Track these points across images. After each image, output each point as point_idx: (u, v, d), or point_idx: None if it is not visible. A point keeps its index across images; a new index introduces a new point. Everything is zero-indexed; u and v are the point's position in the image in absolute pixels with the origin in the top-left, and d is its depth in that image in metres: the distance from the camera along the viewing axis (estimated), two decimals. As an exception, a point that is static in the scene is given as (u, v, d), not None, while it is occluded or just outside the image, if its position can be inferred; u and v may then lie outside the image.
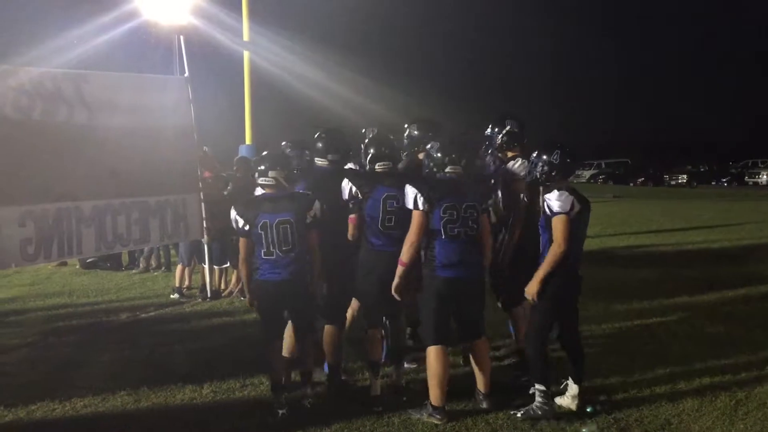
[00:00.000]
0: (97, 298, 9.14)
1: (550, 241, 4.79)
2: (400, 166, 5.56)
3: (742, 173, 45.39)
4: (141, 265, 11.16)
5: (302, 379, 5.31)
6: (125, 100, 7.46)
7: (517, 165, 5.54)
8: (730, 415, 4.95)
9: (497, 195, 5.67)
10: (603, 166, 51.83)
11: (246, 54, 14.73)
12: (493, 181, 5.78)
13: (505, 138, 5.73)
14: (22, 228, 6.42)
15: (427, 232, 4.85)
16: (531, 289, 4.85)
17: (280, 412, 4.97)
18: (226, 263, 9.08)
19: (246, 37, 14.64)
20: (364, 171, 5.45)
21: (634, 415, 4.92)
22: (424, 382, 5.02)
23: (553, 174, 4.90)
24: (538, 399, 4.88)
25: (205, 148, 10.30)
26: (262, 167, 5.05)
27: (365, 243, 5.20)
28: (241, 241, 5.07)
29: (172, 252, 10.95)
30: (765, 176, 42.98)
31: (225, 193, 9.12)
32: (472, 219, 4.88)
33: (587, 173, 50.37)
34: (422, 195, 4.79)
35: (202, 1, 14.01)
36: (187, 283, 9.32)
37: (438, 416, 4.83)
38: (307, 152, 6.42)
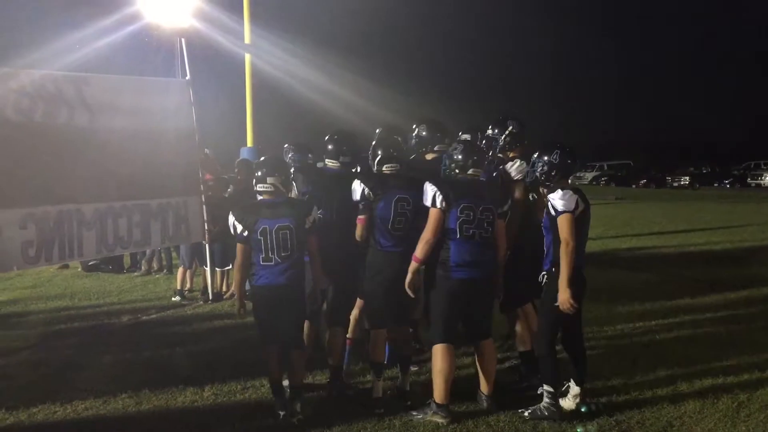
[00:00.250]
0: (98, 300, 9.14)
1: (555, 241, 4.80)
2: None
3: (745, 175, 45.39)
4: (143, 267, 11.16)
5: (291, 393, 5.08)
6: (126, 102, 7.47)
7: (514, 167, 5.54)
8: (732, 417, 4.94)
9: None
10: (605, 167, 51.89)
11: (247, 56, 14.74)
12: None
13: (507, 138, 5.74)
14: (23, 230, 6.42)
15: (443, 232, 4.88)
16: (563, 297, 4.76)
17: (281, 413, 4.96)
18: (228, 265, 9.08)
19: (247, 39, 14.65)
20: (374, 173, 5.46)
21: (636, 417, 4.91)
22: (425, 385, 5.02)
23: (553, 174, 4.91)
24: (546, 400, 4.89)
25: (206, 150, 10.30)
26: (260, 173, 5.03)
27: (374, 244, 5.22)
28: (239, 247, 5.02)
29: (174, 254, 10.95)
30: (767, 178, 42.91)
31: (226, 195, 9.13)
32: (487, 221, 4.92)
33: (589, 175, 50.42)
34: (441, 193, 4.84)
35: (203, 3, 14.02)
36: (188, 285, 9.32)
37: (442, 413, 4.84)
38: (310, 155, 6.43)
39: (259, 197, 5.11)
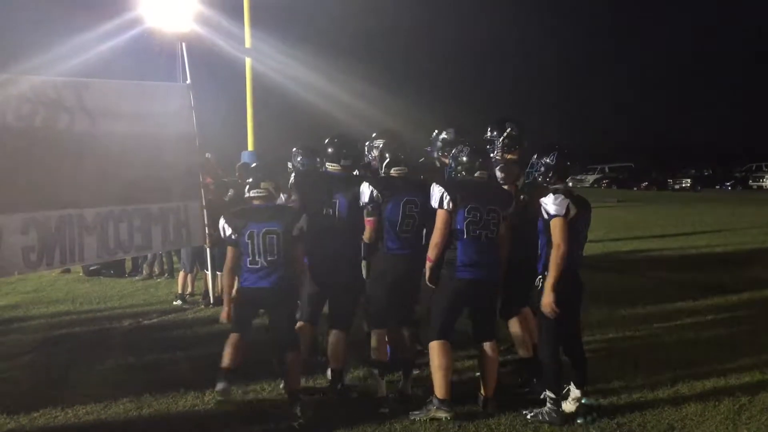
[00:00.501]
0: (100, 305, 9.14)
1: (548, 243, 4.81)
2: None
3: (746, 177, 45.28)
4: (144, 271, 11.16)
5: (290, 398, 5.10)
6: (127, 107, 7.48)
7: (498, 170, 5.56)
8: (733, 419, 4.94)
9: None
10: (606, 170, 51.84)
11: (248, 60, 14.76)
12: None
13: (505, 141, 5.74)
14: (24, 235, 6.43)
15: (450, 232, 4.91)
16: (546, 301, 4.80)
17: (217, 397, 5.18)
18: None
19: (248, 44, 14.67)
20: (381, 176, 5.52)
21: (637, 420, 4.91)
22: (428, 387, 5.02)
23: (550, 175, 4.92)
24: (548, 405, 4.90)
25: (207, 154, 10.32)
26: (254, 179, 5.18)
27: (380, 246, 5.28)
28: (229, 250, 5.16)
29: (175, 259, 10.96)
30: (769, 180, 42.86)
31: (227, 199, 9.13)
32: (493, 222, 4.97)
33: (591, 178, 50.38)
34: (449, 195, 4.88)
35: (204, 8, 14.03)
36: (189, 289, 9.32)
37: (445, 408, 4.86)
38: (318, 159, 6.44)
39: (254, 202, 5.21)
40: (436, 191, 4.94)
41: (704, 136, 67.03)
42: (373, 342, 5.40)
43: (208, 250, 8.75)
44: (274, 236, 5.02)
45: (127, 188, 7.37)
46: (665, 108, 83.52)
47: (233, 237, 5.08)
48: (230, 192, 9.31)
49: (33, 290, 10.07)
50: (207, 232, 8.55)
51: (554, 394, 4.87)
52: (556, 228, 4.76)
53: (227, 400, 5.23)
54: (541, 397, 5.00)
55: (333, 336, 5.43)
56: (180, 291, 9.18)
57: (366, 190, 5.27)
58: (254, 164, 5.55)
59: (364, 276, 5.42)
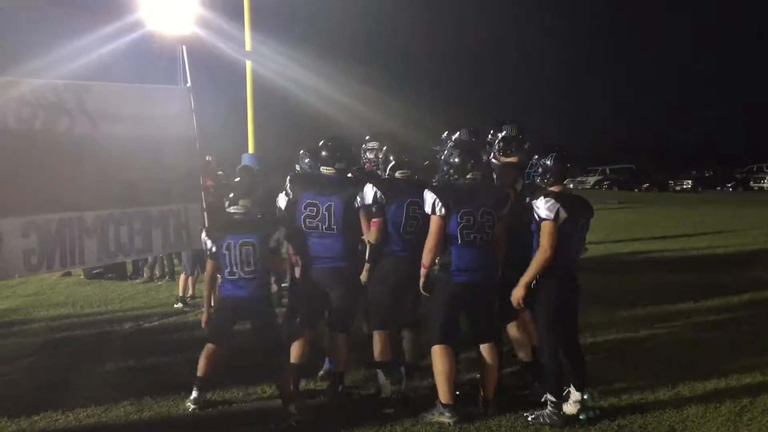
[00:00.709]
0: (100, 308, 9.15)
1: (539, 244, 4.82)
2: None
3: (747, 178, 45.22)
4: (145, 274, 11.17)
5: (282, 399, 5.17)
6: (127, 110, 7.46)
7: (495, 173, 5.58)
8: (734, 421, 4.93)
9: None
10: (607, 172, 51.80)
11: (248, 63, 14.78)
12: None
13: (500, 143, 5.74)
14: (25, 238, 6.41)
15: (444, 237, 4.91)
16: (516, 294, 4.89)
17: (191, 406, 5.29)
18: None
19: (248, 46, 14.70)
20: (385, 178, 5.55)
21: (639, 422, 4.91)
22: (430, 389, 5.03)
23: (547, 177, 4.92)
24: (549, 407, 4.89)
25: (208, 157, 10.31)
26: (233, 196, 5.53)
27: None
28: (208, 263, 5.55)
29: (176, 261, 10.97)
30: (770, 181, 42.80)
31: (227, 201, 9.11)
32: (488, 225, 4.95)
33: (592, 179, 50.33)
34: (441, 200, 4.88)
35: (205, 11, 14.06)
36: (190, 292, 9.33)
37: (448, 413, 4.86)
38: None
39: (234, 217, 5.54)
40: (428, 197, 4.93)
41: (705, 136, 67.04)
42: (376, 343, 5.40)
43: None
44: (251, 247, 5.25)
45: (127, 191, 7.36)
46: (665, 108, 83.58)
47: (213, 250, 5.37)
48: (231, 195, 9.31)
49: (34, 293, 10.07)
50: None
51: (555, 397, 4.87)
52: (544, 231, 4.78)
53: (200, 408, 5.32)
54: (542, 399, 5.00)
55: (332, 338, 5.42)
56: (181, 294, 9.18)
57: (370, 192, 5.26)
58: (236, 179, 5.73)
59: (364, 279, 5.40)
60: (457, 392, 5.06)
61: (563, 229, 4.78)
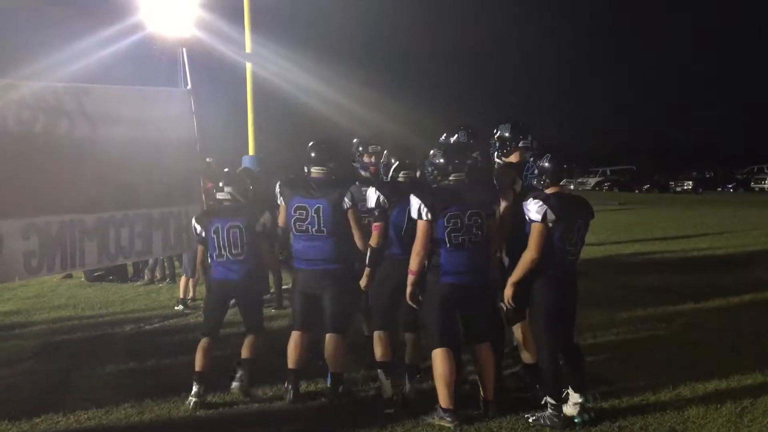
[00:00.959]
0: (101, 310, 9.15)
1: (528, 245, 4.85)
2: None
3: (748, 179, 45.22)
4: (145, 277, 11.17)
5: (239, 366, 5.69)
6: (127, 112, 7.47)
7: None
8: (735, 422, 4.93)
9: None
10: (608, 173, 51.85)
11: (248, 65, 14.77)
12: None
13: (496, 143, 5.74)
14: (25, 241, 6.42)
15: (433, 241, 4.90)
16: (506, 294, 4.92)
17: (192, 400, 5.38)
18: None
19: (248, 48, 14.69)
20: (386, 181, 5.55)
21: (639, 423, 4.90)
22: (430, 391, 5.03)
23: (543, 179, 4.91)
24: (549, 410, 4.88)
25: (208, 159, 10.32)
26: (220, 183, 5.80)
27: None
28: (199, 248, 5.87)
29: (177, 264, 10.97)
30: (771, 182, 42.79)
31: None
32: (476, 226, 4.92)
33: (592, 180, 50.41)
34: (426, 205, 4.85)
35: (205, 14, 14.05)
36: (191, 294, 9.33)
37: (448, 418, 4.85)
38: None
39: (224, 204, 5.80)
40: (414, 202, 4.91)
41: (705, 137, 67.04)
42: (376, 344, 5.42)
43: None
44: (237, 230, 5.54)
45: (127, 193, 7.37)
46: (665, 108, 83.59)
47: (202, 234, 5.68)
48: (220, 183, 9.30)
49: (34, 296, 10.08)
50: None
51: (554, 399, 4.86)
52: (532, 233, 4.79)
53: (201, 404, 5.40)
54: (542, 402, 4.99)
55: (330, 340, 5.43)
56: (181, 296, 9.18)
57: (372, 195, 5.29)
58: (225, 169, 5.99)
59: (364, 283, 5.41)
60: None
61: (555, 231, 4.76)
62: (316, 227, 5.28)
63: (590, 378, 5.23)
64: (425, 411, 5.03)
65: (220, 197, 5.79)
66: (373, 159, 6.29)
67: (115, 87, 7.88)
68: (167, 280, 11.09)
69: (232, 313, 8.46)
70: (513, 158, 5.64)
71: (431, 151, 5.31)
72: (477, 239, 4.93)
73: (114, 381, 6.11)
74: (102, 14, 17.92)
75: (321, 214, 5.27)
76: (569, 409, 4.94)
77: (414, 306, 5.05)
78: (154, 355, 6.81)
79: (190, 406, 5.34)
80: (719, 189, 44.54)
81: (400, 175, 5.45)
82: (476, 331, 5.10)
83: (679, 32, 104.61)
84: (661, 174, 47.54)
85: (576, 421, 4.88)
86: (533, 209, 4.77)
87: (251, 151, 15.01)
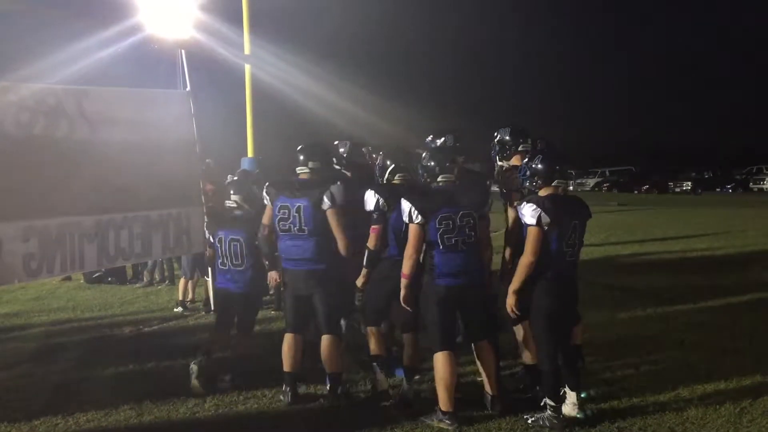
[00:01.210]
0: (100, 312, 9.15)
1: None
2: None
3: (747, 180, 45.24)
4: (145, 278, 11.17)
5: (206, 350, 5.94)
6: (127, 114, 7.47)
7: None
8: (734, 423, 4.93)
9: None
10: (607, 174, 51.88)
11: (247, 67, 14.79)
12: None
13: (496, 147, 5.76)
14: (25, 243, 6.42)
15: (426, 243, 4.92)
16: (508, 303, 4.91)
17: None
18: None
19: (247, 50, 14.71)
20: (383, 184, 5.59)
21: (638, 424, 4.90)
22: (430, 392, 5.03)
23: (535, 180, 4.91)
24: (548, 411, 4.89)
25: (208, 160, 10.32)
26: (229, 191, 6.12)
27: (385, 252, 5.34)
28: (208, 250, 6.37)
29: (176, 265, 10.97)
30: (770, 182, 42.80)
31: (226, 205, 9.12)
32: (468, 227, 4.93)
33: (591, 181, 50.44)
34: (416, 208, 4.87)
35: (204, 15, 14.06)
36: (190, 296, 9.33)
37: (448, 421, 4.86)
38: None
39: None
40: (404, 206, 4.92)
41: (704, 137, 66.93)
42: (370, 339, 5.51)
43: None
44: (237, 244, 5.84)
45: (127, 195, 7.37)
46: (665, 108, 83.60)
47: (211, 240, 6.13)
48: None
49: (34, 298, 10.08)
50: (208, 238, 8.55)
51: (553, 401, 4.86)
52: (529, 237, 4.80)
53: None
54: (541, 403, 5.00)
55: (325, 341, 5.43)
56: (181, 298, 9.18)
57: (371, 198, 5.32)
58: (239, 174, 6.15)
59: (360, 283, 5.43)
60: (458, 395, 5.05)
61: (551, 233, 4.76)
62: (298, 226, 5.33)
63: (589, 378, 5.23)
64: (424, 412, 5.04)
65: (228, 205, 6.07)
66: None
67: (114, 89, 7.88)
68: (166, 282, 11.09)
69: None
70: (514, 161, 5.66)
71: (423, 155, 5.32)
72: (470, 240, 4.94)
73: (113, 383, 6.11)
74: (101, 16, 17.93)
75: (302, 214, 5.31)
76: (567, 409, 4.95)
77: (408, 309, 5.06)
78: (153, 357, 6.81)
79: (188, 414, 5.33)
80: (718, 189, 44.57)
81: (396, 177, 5.49)
82: (475, 330, 5.13)
83: (679, 32, 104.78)
84: (660, 175, 47.55)
85: (579, 416, 4.89)
86: (528, 213, 4.77)
87: (250, 153, 15.03)
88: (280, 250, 5.54)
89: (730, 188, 44.79)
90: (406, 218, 4.92)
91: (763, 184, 42.84)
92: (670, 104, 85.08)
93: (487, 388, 5.12)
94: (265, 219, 5.64)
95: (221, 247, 5.89)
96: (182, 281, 9.29)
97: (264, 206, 5.71)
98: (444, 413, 4.88)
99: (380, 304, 5.46)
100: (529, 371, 5.53)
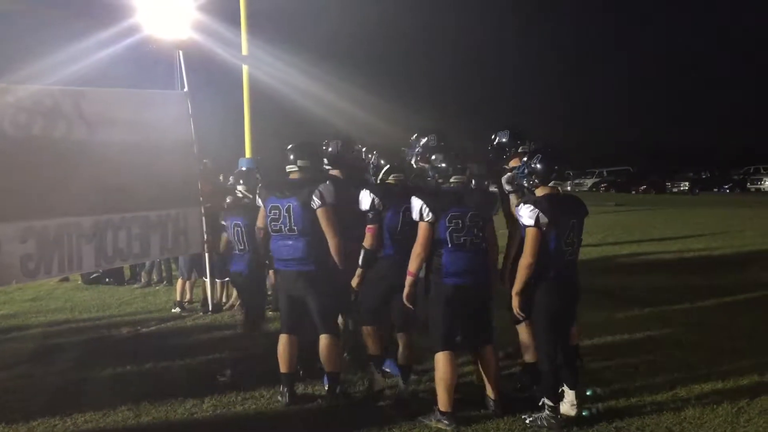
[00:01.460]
0: (98, 313, 9.14)
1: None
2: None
3: (744, 180, 45.28)
4: (142, 279, 11.16)
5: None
6: (124, 115, 7.49)
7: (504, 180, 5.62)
8: (732, 422, 4.94)
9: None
10: (605, 174, 51.91)
11: (245, 68, 14.77)
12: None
13: (495, 149, 5.78)
14: (23, 244, 6.43)
15: (434, 242, 4.93)
16: (513, 305, 4.92)
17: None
18: (227, 277, 9.08)
19: (245, 51, 14.69)
20: (377, 183, 5.60)
21: (636, 423, 4.91)
22: (428, 392, 5.03)
23: (533, 179, 4.92)
24: (546, 411, 4.89)
25: (205, 160, 10.32)
26: (239, 182, 6.63)
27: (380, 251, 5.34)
28: (224, 237, 6.73)
29: (173, 266, 10.96)
30: (767, 182, 42.82)
31: (225, 205, 9.12)
32: (477, 227, 4.97)
33: (589, 181, 50.45)
34: (428, 206, 4.90)
35: (202, 16, 14.06)
36: (188, 296, 9.32)
37: (446, 421, 4.86)
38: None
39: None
40: (416, 203, 4.95)
41: (704, 137, 66.99)
42: (365, 338, 5.52)
43: (206, 257, 8.74)
44: (240, 229, 6.19)
45: (125, 196, 7.38)
46: (665, 108, 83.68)
47: (224, 224, 6.50)
48: (228, 199, 9.31)
49: (31, 299, 10.07)
50: (205, 239, 8.55)
51: (551, 401, 4.87)
52: (527, 238, 4.80)
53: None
54: (540, 404, 5.00)
55: (322, 341, 5.43)
56: (178, 298, 9.18)
57: (366, 198, 5.32)
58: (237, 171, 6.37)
59: (355, 283, 5.43)
60: (456, 396, 5.06)
61: (550, 233, 4.77)
62: (288, 226, 5.32)
63: (587, 378, 5.23)
64: (422, 412, 5.04)
65: (237, 194, 6.67)
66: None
67: (112, 90, 7.90)
68: (164, 282, 11.08)
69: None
70: (513, 164, 5.68)
71: (433, 156, 5.32)
72: (478, 240, 4.98)
73: (111, 384, 6.10)
74: (99, 16, 17.92)
75: (291, 213, 5.30)
76: (565, 408, 4.95)
77: (410, 307, 5.07)
78: (151, 357, 6.80)
79: (186, 415, 5.31)
80: (715, 190, 44.64)
81: (390, 177, 5.51)
82: (479, 333, 5.13)
83: (679, 32, 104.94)
84: (658, 175, 47.59)
85: (584, 414, 4.91)
86: (525, 214, 4.78)
87: (248, 154, 15.00)
88: (272, 251, 5.53)
89: (727, 188, 44.84)
90: (416, 216, 4.94)
91: (761, 184, 42.88)
92: (670, 104, 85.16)
93: (489, 392, 5.13)
94: (260, 221, 5.65)
95: (231, 232, 6.31)
96: (180, 282, 9.28)
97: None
98: (443, 413, 4.89)
99: (375, 305, 5.47)
100: (529, 370, 5.54)
